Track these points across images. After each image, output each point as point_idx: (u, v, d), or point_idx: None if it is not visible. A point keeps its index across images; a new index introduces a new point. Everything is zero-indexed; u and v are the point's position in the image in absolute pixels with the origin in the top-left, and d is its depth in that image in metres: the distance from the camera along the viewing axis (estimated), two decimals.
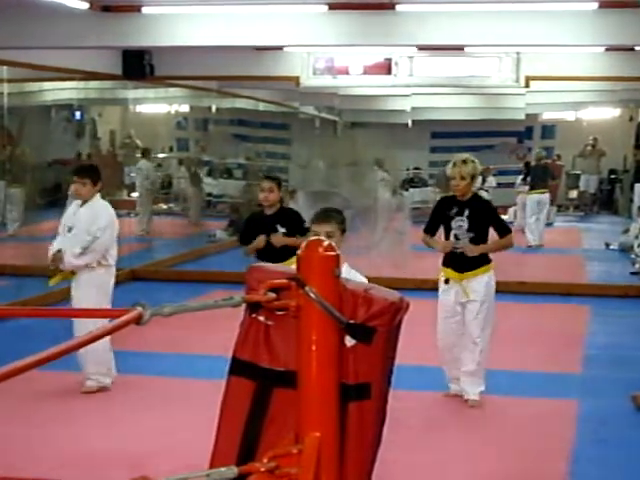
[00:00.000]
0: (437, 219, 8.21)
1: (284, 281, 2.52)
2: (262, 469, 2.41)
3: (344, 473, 2.60)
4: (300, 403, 2.52)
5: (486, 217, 8.07)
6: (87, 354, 8.01)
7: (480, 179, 25.06)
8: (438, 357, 8.25)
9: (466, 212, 7.97)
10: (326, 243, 2.55)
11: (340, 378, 2.55)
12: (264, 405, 2.70)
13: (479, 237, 8.00)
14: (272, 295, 2.52)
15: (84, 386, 8.42)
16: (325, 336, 2.50)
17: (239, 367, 2.76)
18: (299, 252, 2.55)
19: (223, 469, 2.38)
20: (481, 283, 7.98)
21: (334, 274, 2.53)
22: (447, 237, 8.08)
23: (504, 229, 8.11)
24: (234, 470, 2.38)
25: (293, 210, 8.65)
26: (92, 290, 8.31)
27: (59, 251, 8.30)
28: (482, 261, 8.01)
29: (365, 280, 5.15)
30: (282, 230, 8.36)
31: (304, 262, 2.52)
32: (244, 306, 2.68)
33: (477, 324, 7.99)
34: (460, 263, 7.98)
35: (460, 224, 7.98)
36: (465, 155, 8.11)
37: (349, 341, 2.61)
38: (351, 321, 2.57)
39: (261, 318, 2.71)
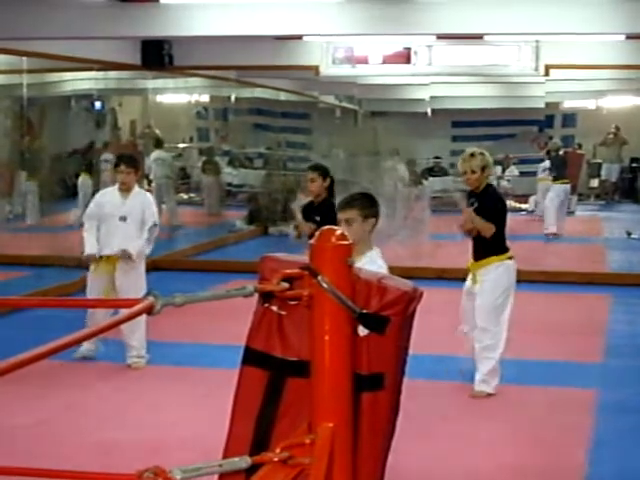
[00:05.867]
0: None
1: (297, 271, 2.51)
2: (275, 459, 2.41)
3: (357, 463, 2.59)
4: (313, 393, 2.51)
5: (488, 208, 7.95)
6: (133, 333, 8.56)
7: (500, 168, 25.07)
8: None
9: (476, 204, 7.97)
10: (339, 232, 2.54)
11: (353, 368, 2.54)
12: (277, 395, 2.70)
13: None
14: (285, 285, 2.51)
15: (133, 362, 8.77)
16: (338, 326, 2.49)
17: (252, 357, 2.76)
18: (312, 241, 2.54)
19: (236, 459, 2.38)
20: (490, 272, 7.87)
21: (347, 263, 2.52)
22: None
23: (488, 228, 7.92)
24: (247, 460, 2.37)
25: (331, 201, 8.65)
26: (143, 275, 8.86)
27: (124, 250, 8.68)
28: (493, 250, 7.91)
29: (386, 271, 5.05)
30: (317, 219, 8.45)
31: (317, 251, 2.51)
32: (257, 296, 2.67)
33: (481, 315, 7.84)
34: (474, 251, 7.98)
35: None
36: (473, 149, 8.10)
37: (362, 331, 2.60)
38: (364, 311, 2.56)
39: (274, 308, 2.70)
